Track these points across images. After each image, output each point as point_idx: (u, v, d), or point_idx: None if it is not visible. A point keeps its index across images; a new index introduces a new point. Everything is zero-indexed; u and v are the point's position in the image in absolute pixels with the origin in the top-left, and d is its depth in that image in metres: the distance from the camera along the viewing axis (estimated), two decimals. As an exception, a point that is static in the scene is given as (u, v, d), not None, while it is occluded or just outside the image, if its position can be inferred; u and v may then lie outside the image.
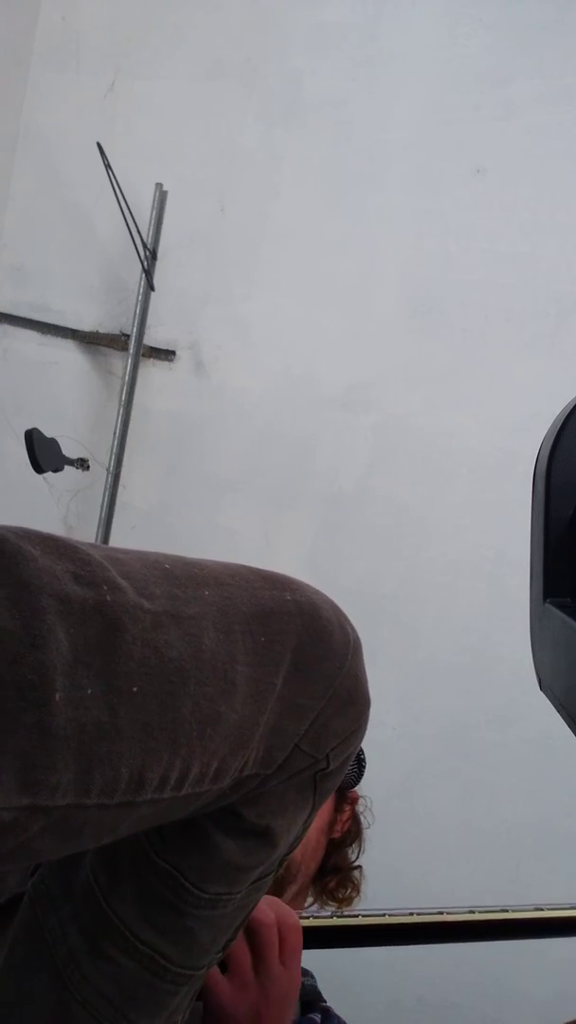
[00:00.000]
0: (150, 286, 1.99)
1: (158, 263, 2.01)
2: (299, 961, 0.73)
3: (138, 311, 2.00)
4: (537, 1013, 1.80)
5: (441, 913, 0.73)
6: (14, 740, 0.28)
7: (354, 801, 1.04)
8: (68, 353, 2.14)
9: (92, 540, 1.96)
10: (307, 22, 2.06)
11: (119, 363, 2.08)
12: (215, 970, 0.69)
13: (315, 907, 0.98)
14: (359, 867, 1.05)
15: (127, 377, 2.01)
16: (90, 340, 2.11)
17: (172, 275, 2.06)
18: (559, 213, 1.94)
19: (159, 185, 1.98)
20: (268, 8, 2.08)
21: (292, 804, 0.44)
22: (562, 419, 0.42)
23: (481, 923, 0.72)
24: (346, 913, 0.78)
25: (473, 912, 0.73)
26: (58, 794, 0.30)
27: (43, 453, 1.71)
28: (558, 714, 0.39)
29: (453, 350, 1.97)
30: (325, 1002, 0.90)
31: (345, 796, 1.03)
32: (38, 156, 2.17)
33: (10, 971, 0.47)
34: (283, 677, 0.39)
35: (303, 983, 0.90)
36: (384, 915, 0.75)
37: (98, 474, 2.00)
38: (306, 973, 0.93)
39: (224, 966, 0.70)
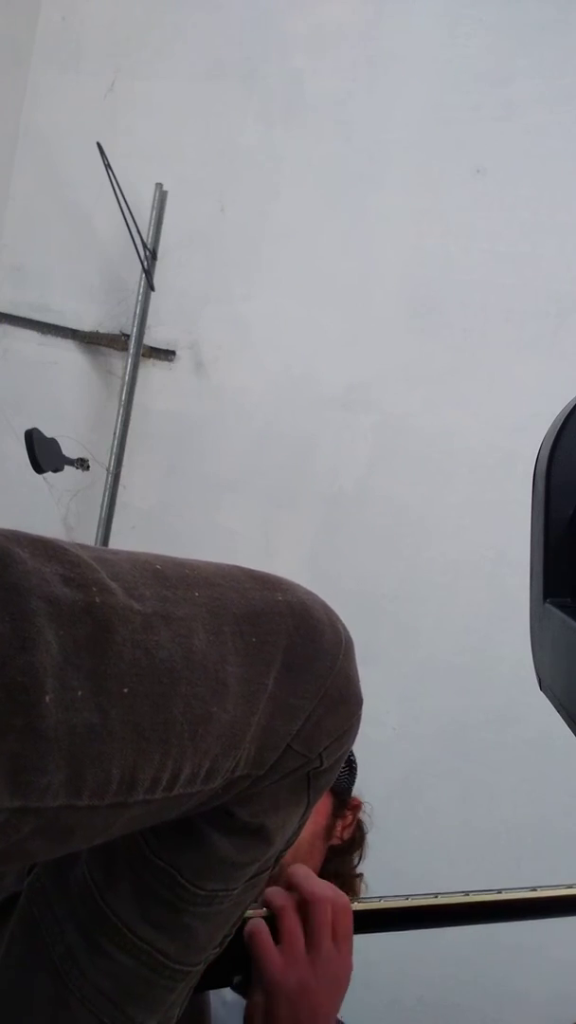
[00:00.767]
0: (150, 286, 1.99)
1: (158, 263, 2.01)
2: (351, 945, 0.72)
3: (138, 311, 2.00)
4: (537, 1013, 1.80)
5: (436, 896, 0.73)
6: (4, 742, 0.28)
7: (356, 807, 1.03)
8: (68, 353, 2.14)
9: (92, 540, 1.96)
10: (307, 22, 2.06)
11: (119, 363, 2.08)
12: (268, 940, 0.70)
13: None
14: (360, 875, 1.04)
15: (127, 377, 2.01)
16: (90, 340, 2.11)
17: (172, 275, 2.06)
18: (559, 213, 1.94)
19: (159, 185, 1.98)
20: (268, 8, 2.08)
21: (285, 802, 0.44)
22: (562, 419, 0.42)
23: (477, 904, 0.73)
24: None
25: (468, 894, 0.73)
26: (48, 795, 0.30)
27: (43, 453, 1.71)
28: (558, 714, 0.39)
29: (453, 350, 1.97)
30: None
31: (346, 802, 1.02)
32: (38, 156, 2.17)
33: (7, 969, 0.47)
34: (274, 677, 0.39)
35: None
36: (380, 899, 0.75)
37: (98, 474, 2.00)
38: None
39: (277, 938, 0.71)
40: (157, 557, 0.39)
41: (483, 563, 1.89)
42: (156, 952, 0.44)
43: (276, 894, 0.73)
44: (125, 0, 2.16)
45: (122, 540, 2.00)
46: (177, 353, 2.09)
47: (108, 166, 1.85)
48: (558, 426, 0.42)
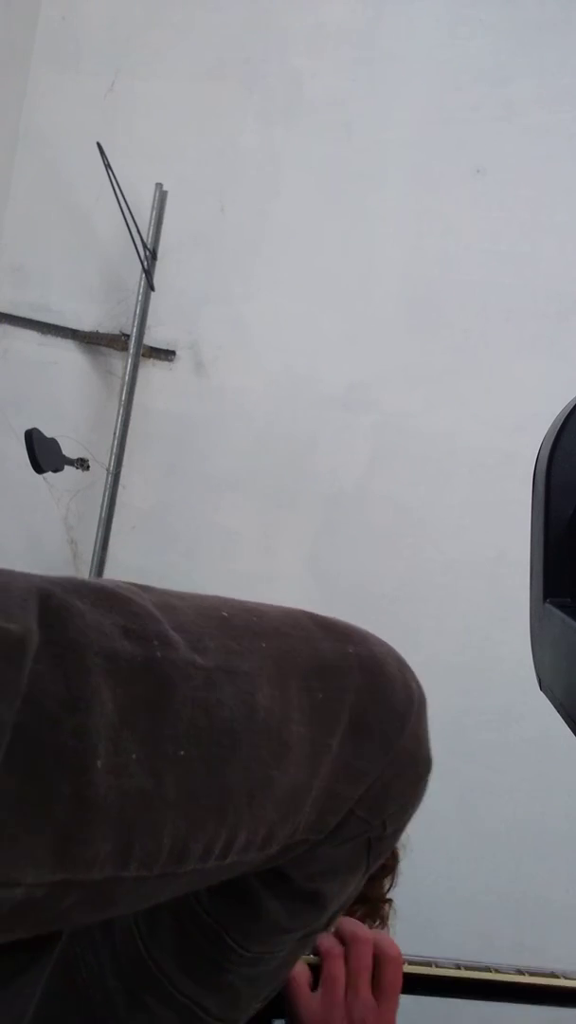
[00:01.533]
0: (150, 286, 1.99)
1: (158, 263, 2.01)
2: (395, 1002, 0.69)
3: (138, 311, 2.00)
4: (537, 1012, 1.80)
5: (489, 970, 0.72)
6: (51, 812, 0.26)
7: None
8: (68, 353, 2.14)
9: (92, 540, 1.96)
10: (307, 22, 2.06)
11: (119, 363, 2.08)
12: (304, 986, 0.67)
13: None
14: (390, 900, 1.01)
15: (127, 377, 2.01)
16: (90, 340, 2.11)
17: (172, 275, 2.06)
18: (559, 213, 1.94)
19: (159, 185, 1.98)
20: (268, 8, 2.08)
21: (344, 868, 0.42)
22: (562, 419, 0.42)
23: (531, 986, 0.70)
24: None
25: (523, 973, 0.71)
26: (95, 868, 0.28)
27: (43, 453, 1.71)
28: (558, 714, 0.39)
29: (453, 350, 1.97)
30: None
31: None
32: (38, 156, 2.17)
33: (44, 1005, 0.46)
34: (339, 738, 0.37)
35: None
36: (431, 965, 0.73)
37: (98, 474, 2.00)
38: None
39: (317, 981, 0.68)
40: (225, 602, 0.36)
41: (483, 563, 1.89)
42: (196, 1007, 0.43)
43: (324, 939, 0.70)
44: (125, 0, 2.16)
45: (122, 540, 2.00)
46: (177, 353, 2.09)
47: (108, 166, 1.85)
48: (558, 426, 0.42)
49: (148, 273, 1.97)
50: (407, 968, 0.71)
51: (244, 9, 2.09)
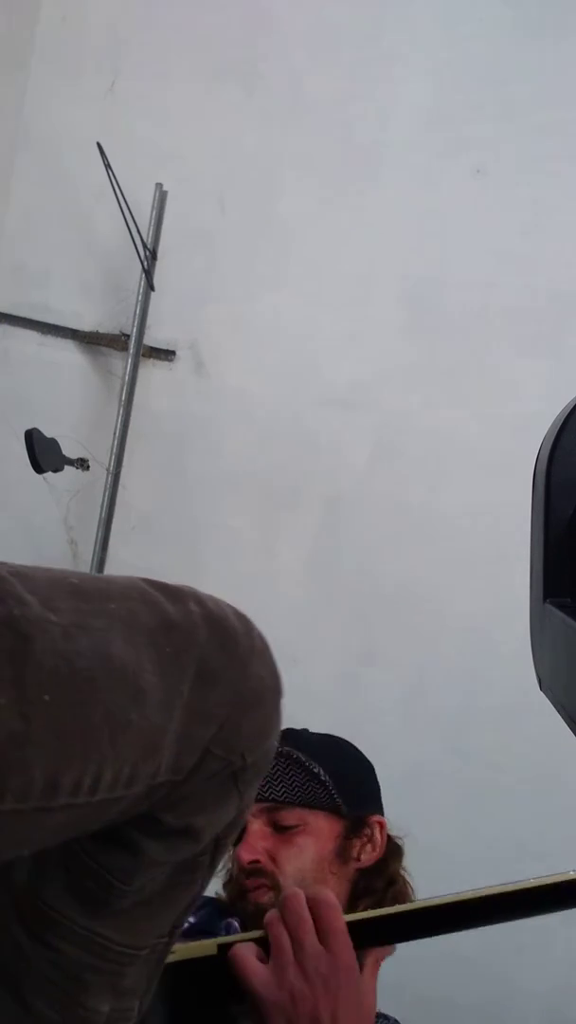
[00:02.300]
0: (150, 286, 1.99)
1: (158, 263, 2.01)
2: (344, 941, 0.69)
3: (138, 311, 2.00)
4: (538, 1012, 1.80)
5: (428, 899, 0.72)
6: None
7: (378, 825, 1.00)
8: (68, 353, 2.13)
9: (92, 540, 1.96)
10: (307, 22, 2.06)
11: (119, 363, 2.08)
12: (248, 957, 0.67)
13: None
14: (396, 882, 1.00)
15: (127, 377, 2.01)
16: (90, 340, 2.11)
17: (172, 275, 2.06)
18: (559, 213, 1.94)
19: (159, 185, 1.98)
20: (268, 8, 2.08)
21: (213, 802, 0.46)
22: (562, 419, 0.42)
23: (481, 900, 0.70)
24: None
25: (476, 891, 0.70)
26: None
27: (43, 453, 1.71)
28: (558, 714, 0.39)
29: (453, 350, 1.97)
30: None
31: (362, 821, 0.98)
32: (38, 156, 2.17)
33: None
34: (189, 686, 0.41)
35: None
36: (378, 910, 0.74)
37: (98, 474, 2.00)
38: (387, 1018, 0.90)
39: (267, 952, 0.68)
40: (73, 573, 0.40)
41: (483, 563, 1.89)
42: (96, 936, 0.46)
43: (269, 913, 0.71)
44: (125, 0, 2.16)
45: (122, 540, 2.00)
46: (177, 353, 2.09)
47: (108, 166, 1.85)
48: (558, 426, 0.42)
49: (148, 273, 1.97)
50: (350, 917, 0.71)
51: (244, 9, 2.09)
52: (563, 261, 1.93)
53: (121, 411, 1.99)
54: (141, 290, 2.00)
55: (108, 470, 1.97)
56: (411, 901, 0.96)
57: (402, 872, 1.02)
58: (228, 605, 0.46)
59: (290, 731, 0.99)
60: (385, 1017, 0.88)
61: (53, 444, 1.77)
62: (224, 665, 0.43)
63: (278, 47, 2.07)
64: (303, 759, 0.97)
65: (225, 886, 0.97)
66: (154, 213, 1.98)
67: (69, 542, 2.07)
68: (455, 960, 1.75)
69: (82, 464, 1.96)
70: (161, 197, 1.98)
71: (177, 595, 0.44)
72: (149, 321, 2.03)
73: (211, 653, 0.43)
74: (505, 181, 1.96)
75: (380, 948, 0.82)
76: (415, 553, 1.94)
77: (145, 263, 1.95)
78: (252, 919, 0.87)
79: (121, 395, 2.01)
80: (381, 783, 1.09)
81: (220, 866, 0.53)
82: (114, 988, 0.48)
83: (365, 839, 0.98)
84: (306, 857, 0.92)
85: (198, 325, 2.08)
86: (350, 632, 1.93)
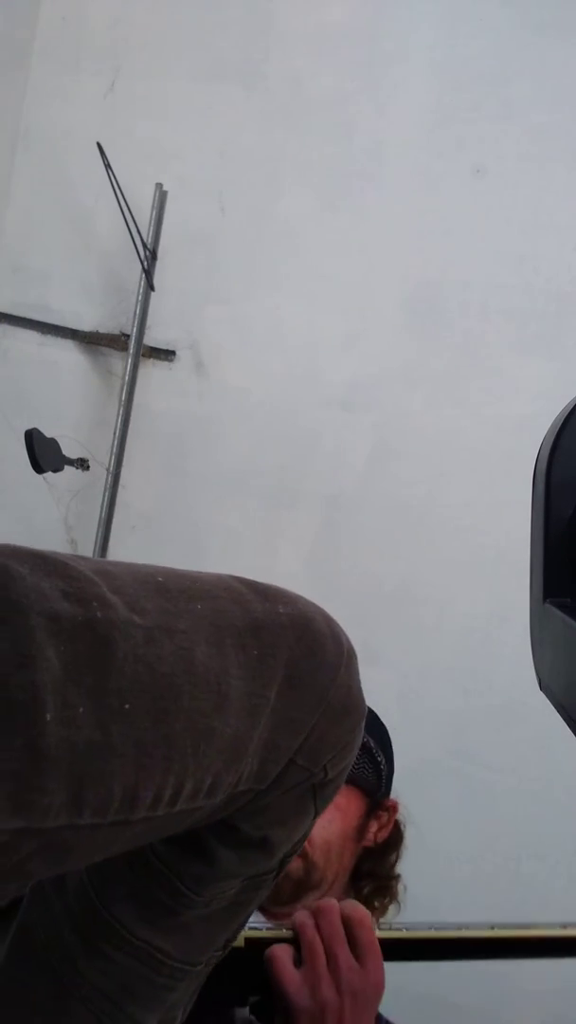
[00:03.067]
0: (150, 286, 1.99)
1: (158, 263, 2.01)
2: (376, 959, 0.70)
3: (138, 311, 2.00)
4: (538, 1012, 1.80)
5: (461, 929, 0.72)
6: (5, 762, 0.28)
7: (392, 809, 1.02)
8: (68, 353, 2.13)
9: (92, 540, 1.96)
10: (307, 22, 2.06)
11: (119, 363, 2.08)
12: (285, 961, 0.68)
13: None
14: (398, 876, 1.02)
15: (127, 377, 2.01)
16: (90, 340, 2.11)
17: (172, 275, 2.06)
18: (559, 213, 1.94)
19: (159, 185, 1.98)
20: (268, 8, 2.08)
21: (291, 814, 0.44)
22: (562, 419, 0.42)
23: (503, 940, 0.71)
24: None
25: (493, 928, 0.71)
26: (50, 815, 0.30)
27: (43, 453, 1.71)
28: (558, 714, 0.39)
29: (453, 350, 1.96)
30: None
31: (380, 803, 1.00)
32: (38, 156, 2.17)
33: (8, 973, 0.47)
34: (276, 691, 0.39)
35: None
36: (403, 929, 0.74)
37: (98, 474, 2.00)
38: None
39: (300, 959, 0.69)
40: (159, 569, 0.38)
41: (483, 563, 1.89)
42: (154, 951, 0.44)
43: (297, 914, 0.72)
44: (125, 0, 2.16)
45: (122, 540, 2.00)
46: (177, 353, 2.09)
47: (108, 166, 1.85)
48: (558, 426, 0.42)
49: (148, 273, 1.97)
50: (381, 934, 0.72)
51: (244, 9, 2.09)
52: (563, 261, 1.93)
53: (121, 411, 1.99)
54: (141, 290, 2.00)
55: (108, 470, 1.97)
56: (397, 899, 0.97)
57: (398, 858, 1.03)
58: (317, 607, 0.44)
59: None
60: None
61: (53, 444, 1.77)
62: (313, 671, 0.41)
63: (278, 47, 2.07)
64: (372, 745, 1.00)
65: None
66: (154, 213, 1.98)
67: (69, 542, 2.07)
68: (455, 962, 1.75)
69: (82, 464, 1.96)
70: (161, 197, 1.98)
71: (266, 594, 0.42)
72: (149, 321, 2.03)
73: (300, 658, 0.41)
74: (505, 181, 1.96)
75: None
76: (415, 553, 1.94)
77: (145, 263, 1.95)
78: (277, 890, 0.88)
79: (121, 395, 2.01)
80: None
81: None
82: (163, 1000, 0.46)
83: (384, 820, 1.00)
84: (334, 830, 0.92)
85: (198, 325, 2.08)
86: (350, 632, 1.93)
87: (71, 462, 1.88)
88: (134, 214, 1.89)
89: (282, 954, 0.69)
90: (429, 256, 1.98)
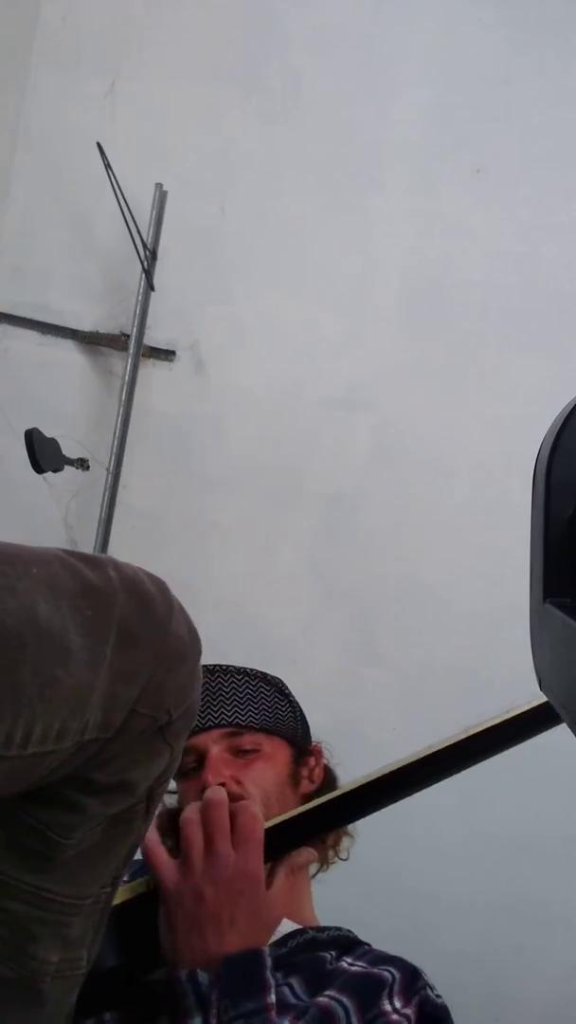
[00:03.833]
0: (150, 286, 1.99)
1: (158, 263, 2.01)
2: (255, 849, 0.72)
3: (138, 311, 2.00)
4: (538, 1012, 1.80)
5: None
6: None
7: (317, 752, 1.04)
8: (68, 353, 2.13)
9: (92, 540, 1.96)
10: (307, 22, 2.06)
11: (119, 363, 2.08)
12: (160, 851, 0.71)
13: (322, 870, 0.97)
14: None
15: (127, 377, 2.01)
16: (90, 340, 2.11)
17: (172, 275, 2.06)
18: (559, 213, 1.94)
19: (159, 185, 1.98)
20: (268, 8, 2.08)
21: (143, 756, 0.48)
22: (562, 419, 0.42)
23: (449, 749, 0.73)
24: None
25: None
26: None
27: (43, 453, 1.71)
28: (558, 714, 0.39)
29: (453, 350, 1.97)
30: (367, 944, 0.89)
31: (304, 749, 1.02)
32: (38, 156, 2.17)
33: None
34: (111, 647, 0.43)
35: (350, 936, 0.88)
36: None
37: (98, 474, 2.00)
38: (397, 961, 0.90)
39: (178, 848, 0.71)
40: None
41: (483, 563, 1.89)
42: (42, 891, 0.48)
43: (188, 807, 0.75)
44: (125, 0, 2.16)
45: (122, 540, 2.00)
46: (177, 353, 2.09)
47: (108, 166, 1.85)
48: (558, 426, 0.42)
49: (148, 273, 1.97)
50: (278, 819, 0.74)
51: (244, 9, 2.09)
52: (563, 261, 1.93)
53: (121, 411, 1.99)
54: (141, 290, 2.00)
55: (108, 470, 1.97)
56: (349, 835, 0.99)
57: None
58: (143, 570, 0.48)
59: (227, 667, 1.00)
60: (393, 959, 0.88)
61: (53, 444, 1.77)
62: (144, 627, 0.45)
63: (278, 47, 2.07)
64: (284, 688, 1.02)
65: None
66: (154, 213, 1.98)
67: (69, 542, 2.07)
68: (455, 959, 1.75)
69: (82, 464, 1.96)
70: (161, 197, 1.98)
71: (96, 562, 0.45)
72: (149, 321, 2.03)
73: (130, 615, 0.44)
74: (505, 181, 1.96)
75: (297, 857, 0.83)
76: (415, 553, 1.94)
77: (145, 263, 1.95)
78: None
79: (121, 395, 2.00)
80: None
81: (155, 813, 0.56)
82: (62, 938, 0.49)
83: (312, 764, 1.02)
84: (268, 779, 0.94)
85: (198, 325, 2.08)
86: (350, 632, 1.93)
87: (71, 462, 1.88)
88: (134, 214, 1.89)
89: (151, 844, 0.72)
90: (429, 256, 1.98)
